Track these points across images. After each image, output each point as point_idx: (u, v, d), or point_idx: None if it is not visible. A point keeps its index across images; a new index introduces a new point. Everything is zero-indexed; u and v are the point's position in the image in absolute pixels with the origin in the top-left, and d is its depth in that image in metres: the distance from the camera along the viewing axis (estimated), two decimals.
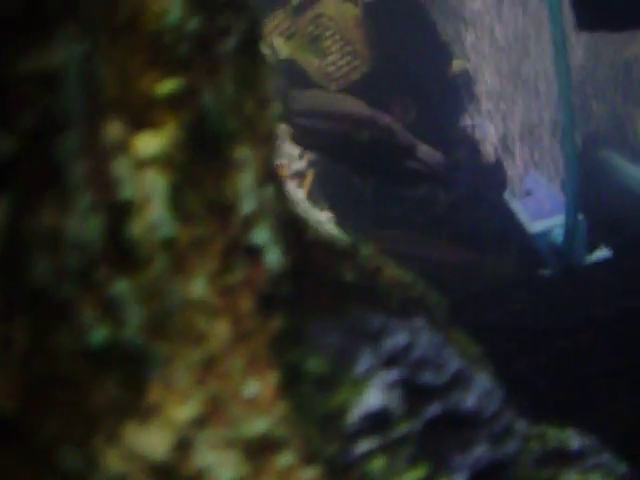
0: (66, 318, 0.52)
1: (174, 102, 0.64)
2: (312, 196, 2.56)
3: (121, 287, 0.55)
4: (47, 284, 0.51)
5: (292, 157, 2.56)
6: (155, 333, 0.58)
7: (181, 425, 0.55)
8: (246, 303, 0.66)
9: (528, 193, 2.80)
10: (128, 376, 0.55)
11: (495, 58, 3.47)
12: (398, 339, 0.74)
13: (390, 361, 0.72)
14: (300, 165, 2.56)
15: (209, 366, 0.59)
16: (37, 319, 0.51)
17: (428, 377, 0.72)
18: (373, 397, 0.67)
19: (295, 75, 2.90)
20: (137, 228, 0.59)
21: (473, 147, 3.24)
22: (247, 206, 0.69)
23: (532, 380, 1.58)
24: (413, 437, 0.67)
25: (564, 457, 0.88)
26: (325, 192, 2.72)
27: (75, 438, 0.52)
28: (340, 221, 2.44)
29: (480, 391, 0.75)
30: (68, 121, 0.53)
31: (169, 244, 0.61)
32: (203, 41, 0.68)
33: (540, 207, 2.61)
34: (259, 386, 0.61)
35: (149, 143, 0.61)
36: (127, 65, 0.63)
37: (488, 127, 3.28)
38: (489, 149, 3.23)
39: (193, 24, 0.66)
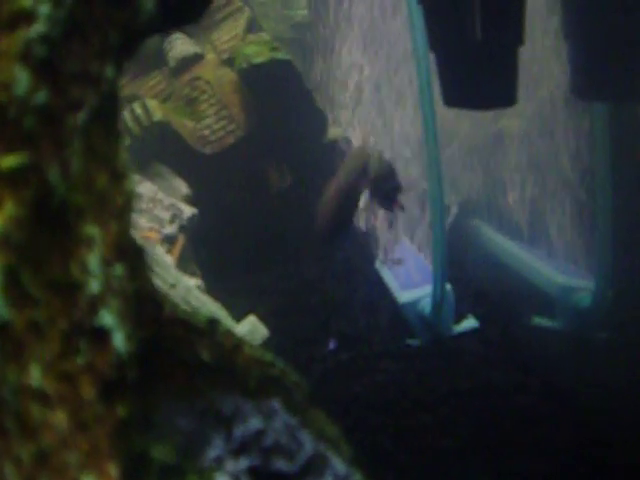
0: None
1: (15, 179, 0.61)
2: (182, 261, 2.52)
3: None
4: None
5: (163, 221, 2.52)
6: None
7: None
8: (87, 390, 0.62)
9: (398, 262, 2.83)
10: None
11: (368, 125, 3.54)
12: (251, 424, 0.72)
13: (242, 448, 0.69)
14: (171, 229, 2.52)
15: (41, 461, 0.55)
16: None
17: (281, 464, 0.70)
18: None
19: (168, 138, 2.87)
20: None
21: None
22: (94, 286, 0.66)
23: (395, 454, 1.57)
24: None
25: None
26: (197, 257, 2.68)
27: None
28: (210, 287, 2.40)
29: (335, 477, 0.73)
30: None
31: (2, 329, 0.57)
32: (51, 115, 0.65)
33: (409, 276, 2.64)
34: None
35: None
36: None
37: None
38: (362, 214, 3.27)
39: (41, 97, 0.64)
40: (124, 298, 0.71)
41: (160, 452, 0.67)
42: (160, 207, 2.57)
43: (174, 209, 2.61)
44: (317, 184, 3.38)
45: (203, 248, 2.75)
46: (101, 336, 0.65)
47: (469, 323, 2.40)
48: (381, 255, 2.98)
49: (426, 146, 2.30)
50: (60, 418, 0.58)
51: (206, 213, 2.86)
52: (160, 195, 2.61)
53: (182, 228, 2.56)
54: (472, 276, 2.76)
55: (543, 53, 3.07)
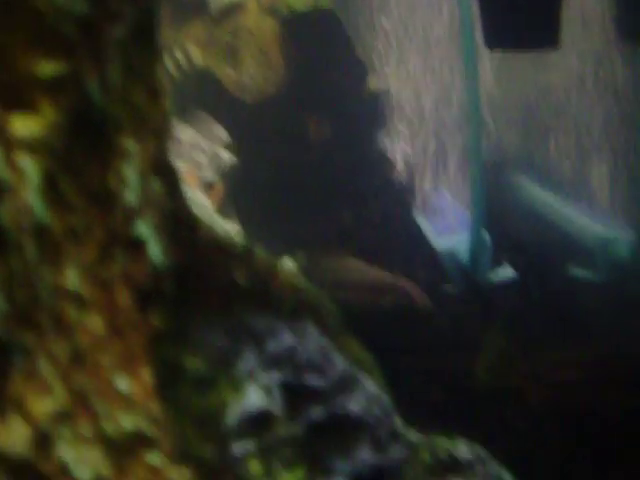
0: None
1: (54, 86, 0.61)
2: (222, 209, 2.53)
3: None
4: None
5: (202, 166, 2.53)
6: (21, 323, 0.55)
7: (41, 420, 0.52)
8: (123, 297, 0.63)
9: (436, 212, 2.82)
10: None
11: (411, 77, 3.50)
12: (283, 341, 0.72)
13: (274, 362, 0.70)
14: (210, 175, 2.53)
15: (77, 360, 0.56)
16: None
17: (312, 380, 0.70)
18: (252, 398, 0.65)
19: (209, 85, 2.87)
20: (7, 213, 0.56)
21: (387, 163, 3.26)
22: (130, 197, 0.67)
23: (428, 395, 1.58)
24: (293, 440, 0.65)
25: (453, 467, 0.88)
26: (235, 206, 2.69)
27: None
28: (250, 237, 2.41)
29: (365, 396, 0.73)
30: None
31: (41, 231, 0.58)
32: (91, 25, 0.65)
33: (447, 224, 2.63)
34: (130, 383, 0.58)
35: (23, 125, 0.58)
36: (6, 43, 0.60)
37: (400, 144, 3.31)
38: (400, 165, 3.25)
39: (80, 6, 0.64)
40: (160, 212, 0.72)
41: (193, 363, 0.68)
42: (200, 152, 2.58)
43: (214, 155, 2.62)
44: (356, 135, 3.37)
45: (242, 197, 2.76)
46: (137, 246, 0.66)
47: (506, 272, 2.39)
48: (419, 203, 2.97)
49: (466, 94, 2.28)
50: (95, 321, 0.59)
51: (245, 162, 2.86)
52: (200, 141, 2.62)
53: (222, 175, 2.57)
54: (510, 226, 2.74)
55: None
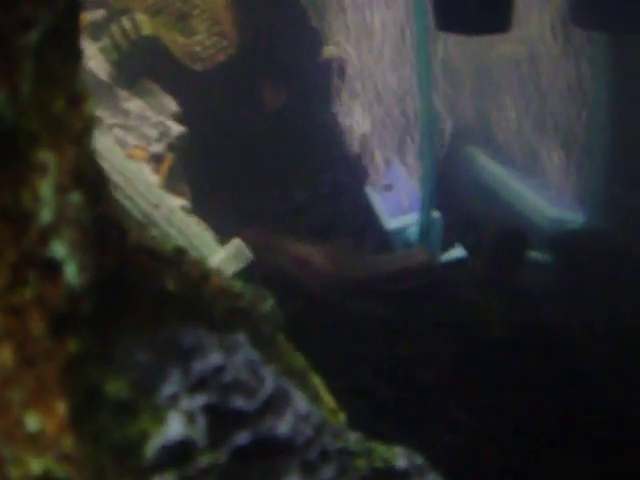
0: None
1: None
2: (172, 181, 2.49)
3: None
4: None
5: (151, 139, 2.48)
6: None
7: None
8: (36, 324, 0.60)
9: (388, 187, 2.80)
10: None
11: (365, 45, 3.46)
12: (210, 360, 0.70)
13: (199, 384, 0.68)
14: (159, 148, 2.48)
15: None
16: None
17: (239, 402, 0.68)
18: (174, 426, 0.62)
19: (158, 54, 2.80)
20: None
21: (341, 134, 3.23)
22: (45, 215, 0.63)
23: (375, 386, 1.57)
24: (216, 470, 0.63)
25: (389, 477, 0.86)
26: (186, 177, 2.65)
27: None
28: (198, 208, 2.37)
29: (295, 416, 0.71)
30: None
31: None
32: None
33: (399, 203, 2.61)
34: (42, 419, 0.55)
35: None
36: None
37: (355, 115, 3.28)
38: (354, 137, 3.23)
39: None
40: (80, 227, 0.68)
41: (114, 388, 0.65)
42: (148, 125, 2.52)
43: (162, 127, 2.56)
44: (311, 103, 3.33)
45: (193, 167, 2.71)
46: (52, 268, 0.63)
47: (457, 253, 2.38)
48: (371, 179, 2.95)
49: (418, 66, 2.25)
50: (5, 354, 0.56)
51: (196, 131, 2.81)
52: (148, 112, 2.56)
53: (170, 146, 2.52)
54: (462, 204, 2.73)
55: None
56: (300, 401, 0.74)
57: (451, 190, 2.66)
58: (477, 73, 3.41)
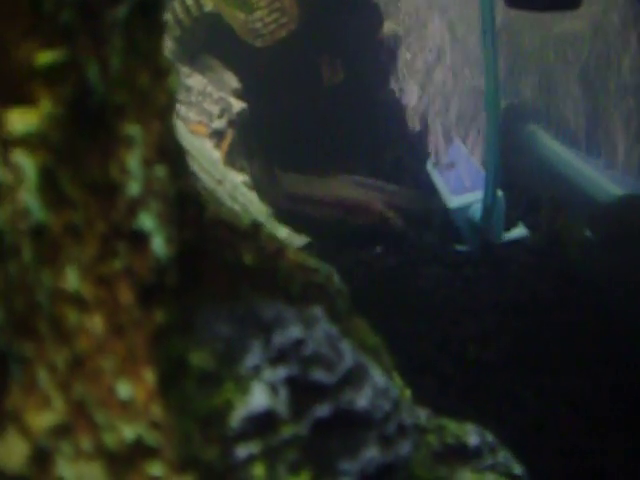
0: None
1: (53, 76, 0.59)
2: (231, 156, 2.50)
3: None
4: None
5: (212, 115, 2.49)
6: (19, 332, 0.53)
7: (40, 434, 0.50)
8: (125, 295, 0.61)
9: (450, 165, 2.78)
10: None
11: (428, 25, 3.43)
12: (291, 333, 0.71)
13: (280, 356, 0.68)
14: (220, 124, 2.49)
15: (76, 367, 0.54)
16: None
17: (319, 375, 0.69)
18: (258, 397, 0.63)
19: (220, 30, 2.81)
20: (3, 215, 0.54)
21: (401, 111, 3.21)
22: (133, 188, 0.64)
23: (439, 363, 1.57)
24: (298, 441, 0.64)
25: (460, 453, 0.87)
26: (246, 153, 2.66)
27: None
28: (260, 188, 2.38)
29: (373, 390, 0.72)
30: None
31: (39, 232, 0.56)
32: (89, 8, 0.62)
33: (461, 181, 2.59)
34: (132, 388, 0.57)
35: (20, 121, 0.55)
36: (3, 33, 0.57)
37: (413, 92, 3.26)
38: (413, 115, 3.21)
39: None
40: (165, 200, 0.69)
41: (199, 358, 0.66)
42: (209, 101, 2.53)
43: (224, 103, 2.57)
44: (370, 80, 3.32)
45: (253, 143, 2.72)
46: (140, 239, 0.64)
47: (520, 231, 2.36)
48: (433, 157, 2.93)
49: (482, 44, 2.22)
50: (96, 322, 0.57)
51: (257, 108, 2.82)
52: (210, 88, 2.57)
53: (231, 122, 2.53)
54: (526, 183, 2.70)
55: None
56: (378, 376, 0.74)
57: (513, 169, 2.63)
58: (540, 49, 3.35)
